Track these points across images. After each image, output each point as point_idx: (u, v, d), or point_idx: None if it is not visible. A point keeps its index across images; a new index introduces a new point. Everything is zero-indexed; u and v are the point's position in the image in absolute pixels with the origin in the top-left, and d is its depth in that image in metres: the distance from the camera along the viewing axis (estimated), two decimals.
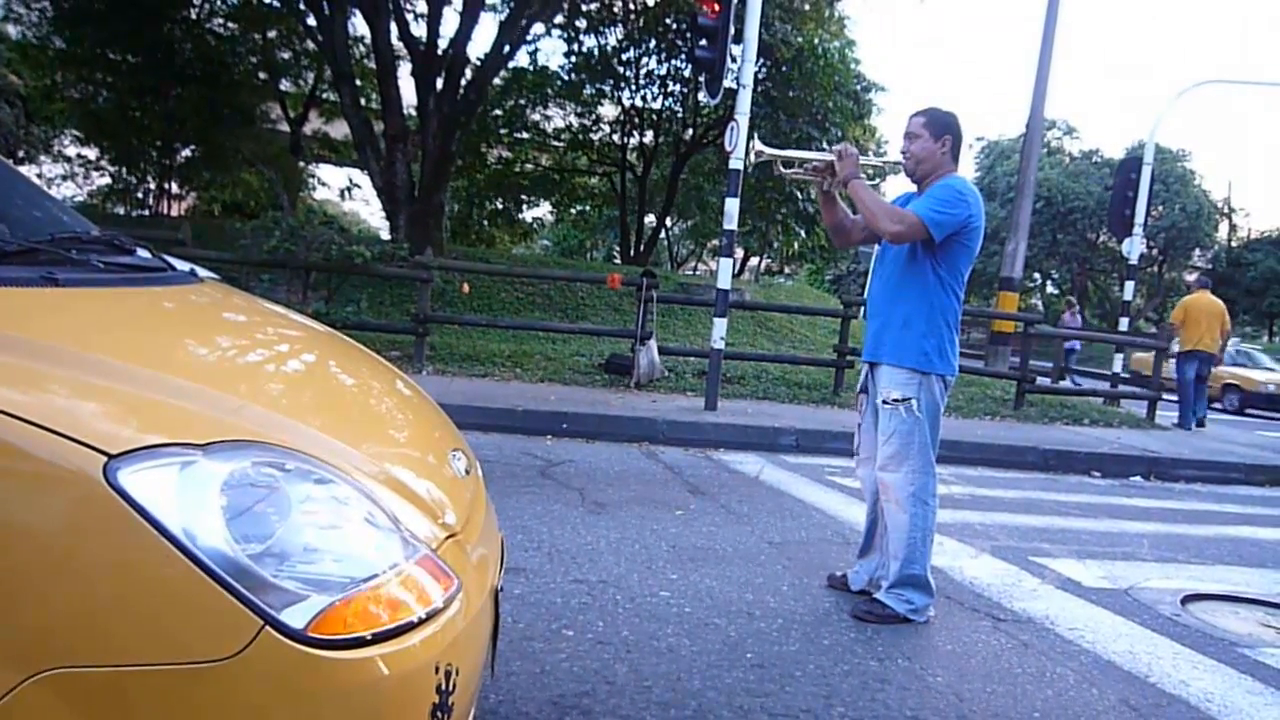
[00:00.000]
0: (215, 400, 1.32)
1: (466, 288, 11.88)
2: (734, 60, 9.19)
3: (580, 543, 3.88)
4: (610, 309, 15.25)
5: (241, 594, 1.09)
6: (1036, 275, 38.43)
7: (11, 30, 20.13)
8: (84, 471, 1.05)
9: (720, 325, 7.78)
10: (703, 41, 7.81)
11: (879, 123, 28.92)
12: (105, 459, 1.07)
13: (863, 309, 8.71)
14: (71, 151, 24.32)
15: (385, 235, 15.57)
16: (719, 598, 3.37)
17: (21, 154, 19.20)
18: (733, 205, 7.56)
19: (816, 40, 17.10)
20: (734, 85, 7.88)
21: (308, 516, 1.23)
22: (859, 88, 19.03)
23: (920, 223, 3.23)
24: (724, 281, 7.84)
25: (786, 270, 38.06)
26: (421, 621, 1.26)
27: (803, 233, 21.39)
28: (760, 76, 16.36)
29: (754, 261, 33.81)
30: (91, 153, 23.79)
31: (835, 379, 9.73)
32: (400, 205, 14.89)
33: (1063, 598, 3.78)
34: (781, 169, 3.67)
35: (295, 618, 1.12)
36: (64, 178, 25.31)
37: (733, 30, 7.75)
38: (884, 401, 3.39)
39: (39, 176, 24.32)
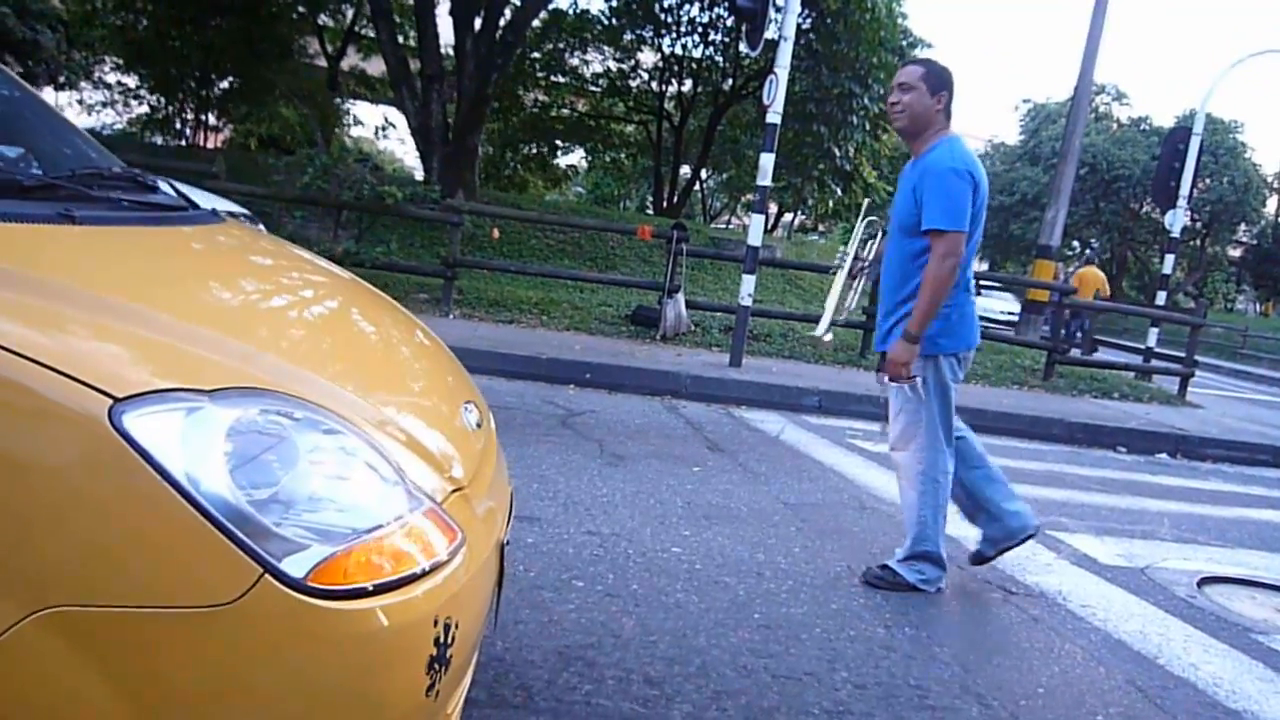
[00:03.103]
0: (228, 346, 1.31)
1: (496, 233, 11.87)
2: (777, 10, 9.01)
3: (596, 494, 3.91)
4: (640, 260, 15.18)
5: (242, 541, 1.09)
6: (1075, 243, 37.76)
7: None
8: (90, 414, 1.06)
9: (749, 281, 7.72)
10: None
11: None
12: (111, 402, 1.07)
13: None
14: (112, 79, 24.44)
15: (419, 176, 15.53)
16: (730, 556, 3.38)
17: (63, 79, 19.29)
18: (768, 160, 7.45)
19: None
20: (776, 37, 7.72)
21: (314, 466, 1.23)
22: (905, 44, 18.61)
23: (951, 235, 3.10)
24: (755, 238, 7.76)
25: (820, 228, 37.64)
26: (424, 574, 1.26)
27: (838, 190, 21.06)
28: (804, 28, 16.03)
29: (788, 218, 33.43)
30: (131, 80, 23.90)
31: (863, 341, 9.65)
32: (435, 146, 14.83)
33: (1077, 574, 3.76)
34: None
35: (295, 567, 1.13)
36: (104, 104, 25.53)
37: None
38: (890, 379, 3.35)
39: (80, 102, 24.42)
